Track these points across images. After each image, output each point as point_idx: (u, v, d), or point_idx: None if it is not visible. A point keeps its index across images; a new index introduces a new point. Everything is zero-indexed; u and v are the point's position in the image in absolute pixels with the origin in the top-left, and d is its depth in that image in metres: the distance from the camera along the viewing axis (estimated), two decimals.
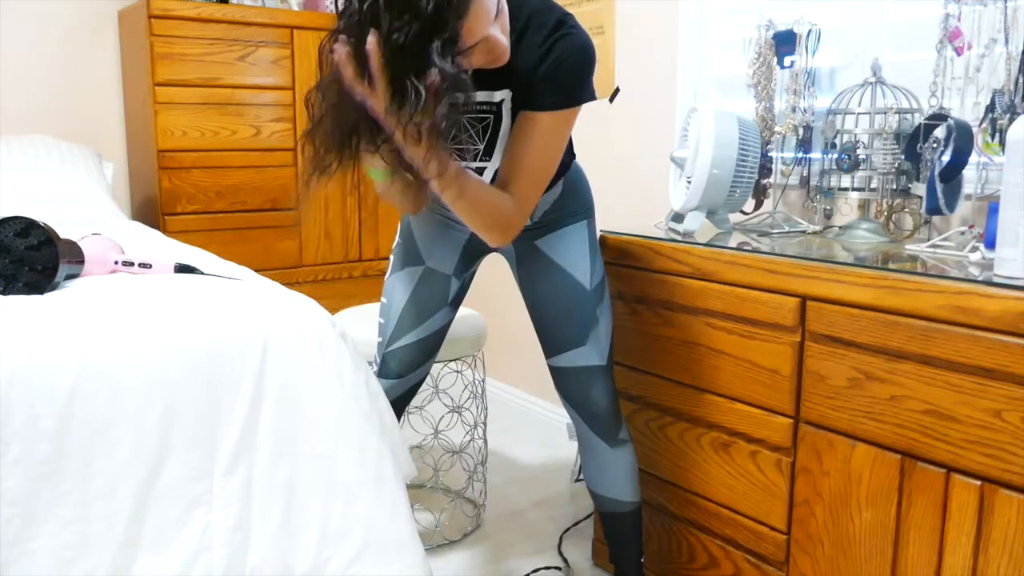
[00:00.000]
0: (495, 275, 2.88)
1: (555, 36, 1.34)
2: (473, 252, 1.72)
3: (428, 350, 1.73)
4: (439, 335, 1.75)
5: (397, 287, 1.71)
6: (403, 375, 1.72)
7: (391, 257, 1.77)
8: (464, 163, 1.47)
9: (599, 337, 1.63)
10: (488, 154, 1.48)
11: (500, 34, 1.23)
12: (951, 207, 1.48)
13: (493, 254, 1.76)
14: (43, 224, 1.35)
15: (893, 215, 1.65)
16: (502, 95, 1.41)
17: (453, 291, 1.72)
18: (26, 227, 1.33)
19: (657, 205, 2.38)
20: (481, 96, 1.41)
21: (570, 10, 2.44)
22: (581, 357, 1.63)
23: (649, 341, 1.72)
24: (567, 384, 1.65)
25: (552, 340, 1.65)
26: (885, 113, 1.64)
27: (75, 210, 2.45)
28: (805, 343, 1.42)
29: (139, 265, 1.52)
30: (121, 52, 3.10)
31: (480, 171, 1.52)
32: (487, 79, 1.38)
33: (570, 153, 1.60)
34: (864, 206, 1.69)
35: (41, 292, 1.34)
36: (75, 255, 1.43)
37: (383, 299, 1.73)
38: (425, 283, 1.68)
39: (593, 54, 1.37)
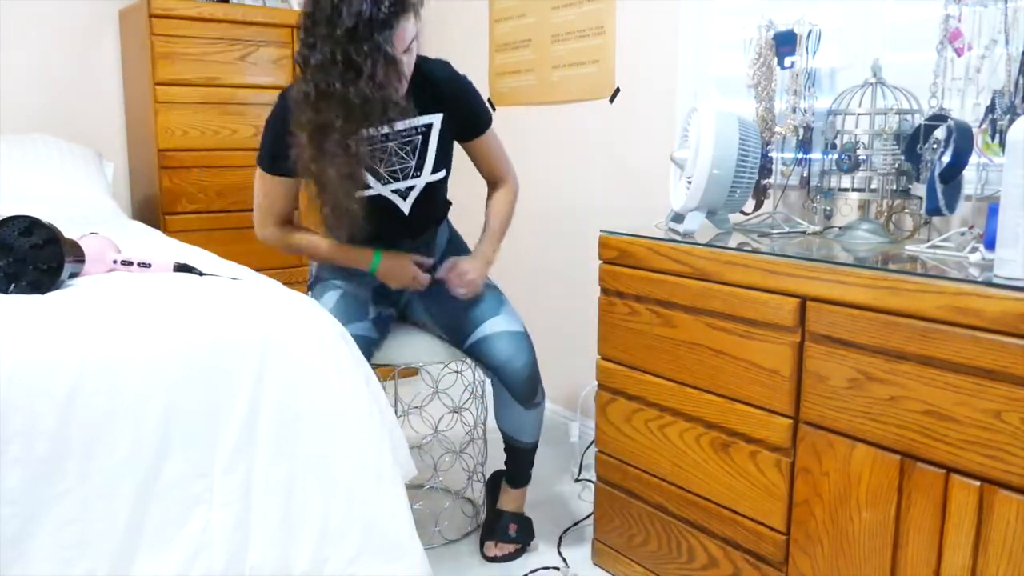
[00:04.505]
0: (495, 275, 2.88)
1: (452, 79, 1.80)
2: (382, 301, 1.94)
3: None
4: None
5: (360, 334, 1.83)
6: None
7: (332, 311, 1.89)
8: (395, 183, 1.76)
9: (512, 312, 1.85)
10: (419, 169, 1.76)
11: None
12: (951, 208, 1.48)
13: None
14: (47, 223, 1.35)
15: (893, 216, 1.65)
16: (430, 119, 1.77)
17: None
18: (29, 226, 1.34)
19: (657, 205, 2.37)
20: (411, 123, 1.73)
21: (570, 10, 2.56)
22: (502, 323, 1.82)
23: (649, 341, 1.72)
24: (494, 347, 1.80)
25: (467, 320, 1.83)
26: (885, 114, 1.64)
27: (75, 210, 2.45)
28: (805, 343, 1.42)
29: (138, 264, 1.52)
30: (121, 52, 3.10)
31: (409, 189, 1.77)
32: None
33: (447, 203, 1.97)
34: (864, 207, 1.69)
35: (42, 291, 1.34)
36: (77, 254, 1.43)
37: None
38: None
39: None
